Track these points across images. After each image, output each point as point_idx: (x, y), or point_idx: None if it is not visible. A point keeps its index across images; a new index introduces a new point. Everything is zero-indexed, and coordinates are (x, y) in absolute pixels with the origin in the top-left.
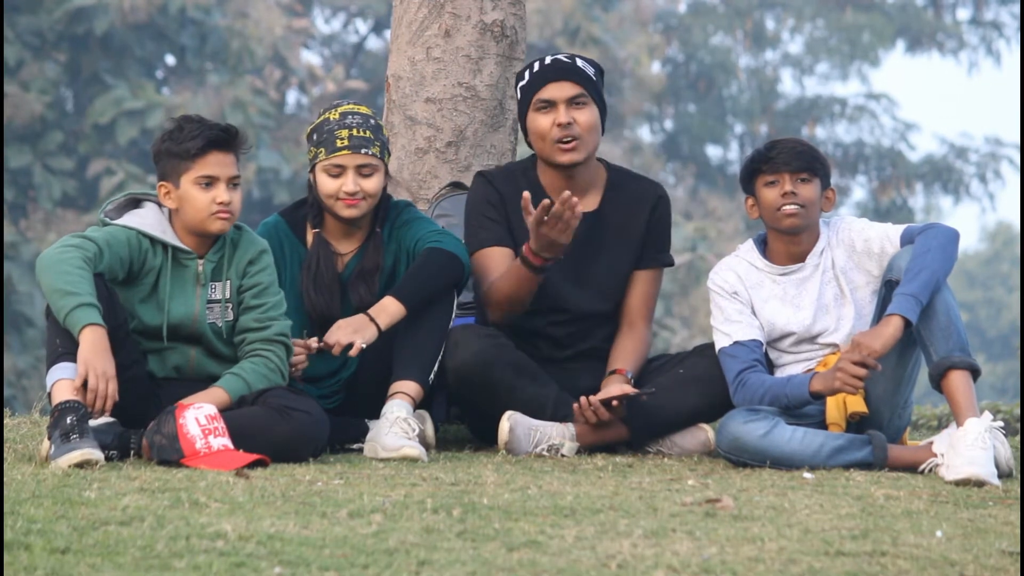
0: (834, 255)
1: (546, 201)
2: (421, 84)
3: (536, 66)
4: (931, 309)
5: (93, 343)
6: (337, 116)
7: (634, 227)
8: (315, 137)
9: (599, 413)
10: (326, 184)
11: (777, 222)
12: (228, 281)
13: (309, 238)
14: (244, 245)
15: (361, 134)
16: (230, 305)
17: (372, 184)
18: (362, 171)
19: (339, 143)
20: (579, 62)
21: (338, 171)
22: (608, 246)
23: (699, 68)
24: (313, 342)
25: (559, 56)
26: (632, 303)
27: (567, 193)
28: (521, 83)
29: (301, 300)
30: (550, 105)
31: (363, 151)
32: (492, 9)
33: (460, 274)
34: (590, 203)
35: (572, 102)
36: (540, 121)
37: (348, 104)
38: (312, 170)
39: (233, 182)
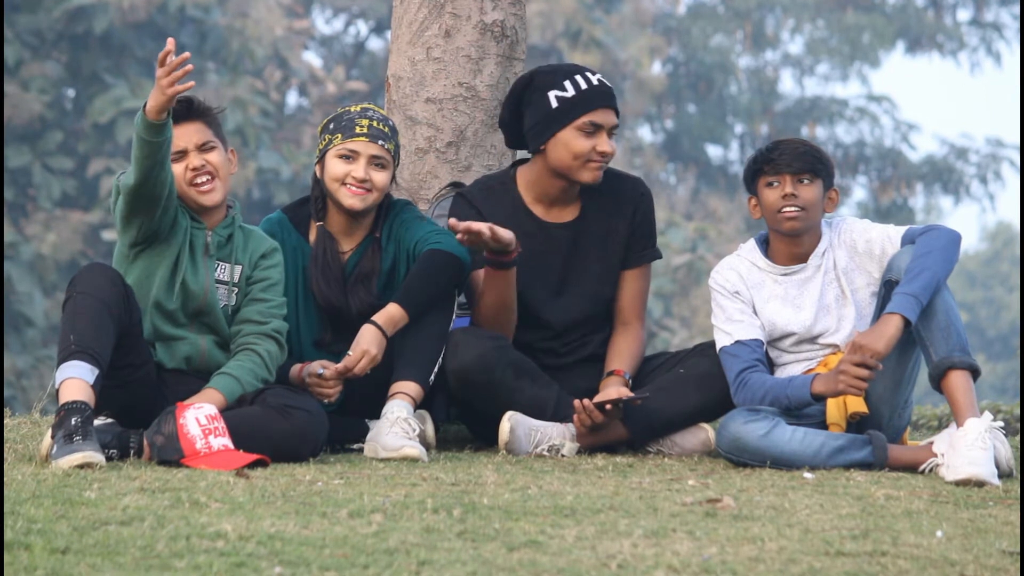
0: (836, 256)
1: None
2: (421, 84)
3: (583, 83)
4: (931, 309)
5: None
6: (358, 109)
7: (617, 231)
8: (331, 126)
9: (593, 416)
10: (336, 168)
11: (778, 224)
12: (240, 267)
13: (311, 236)
14: (257, 238)
15: (380, 127)
16: (235, 290)
17: (382, 177)
18: (374, 162)
19: (358, 129)
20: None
21: (351, 155)
22: (593, 253)
23: (699, 68)
24: (320, 371)
25: (602, 79)
26: (624, 303)
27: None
28: (561, 93)
29: (305, 294)
30: (597, 129)
31: (379, 142)
32: (492, 9)
33: (461, 273)
34: (571, 212)
35: (611, 131)
36: (582, 143)
37: (368, 103)
38: (320, 161)
39: (206, 147)
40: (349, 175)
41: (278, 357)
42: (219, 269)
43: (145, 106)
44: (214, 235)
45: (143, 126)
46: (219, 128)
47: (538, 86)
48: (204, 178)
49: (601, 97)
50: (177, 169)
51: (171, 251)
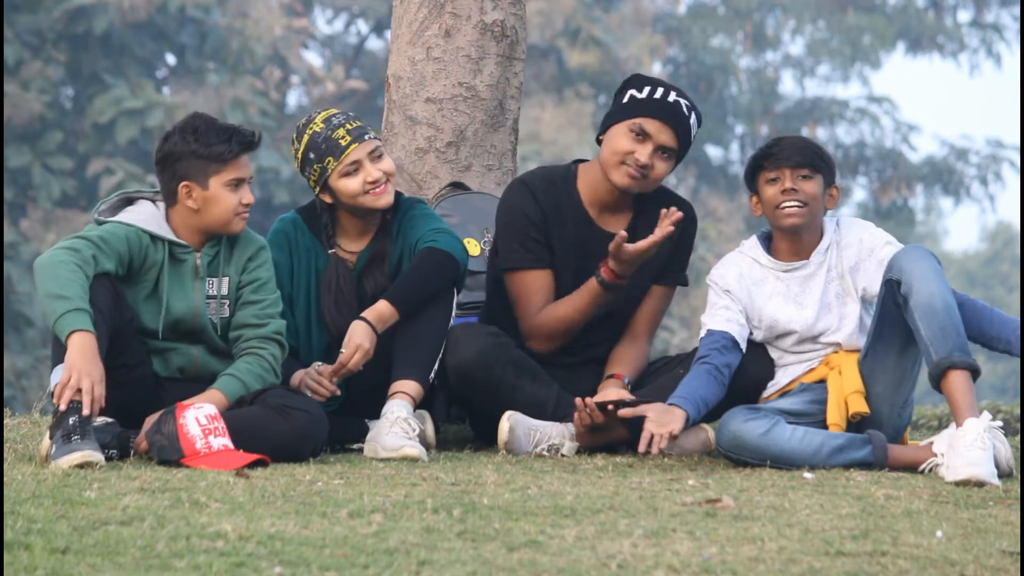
0: (842, 254)
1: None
2: (421, 84)
3: (657, 93)
4: (931, 309)
5: (81, 349)
6: (322, 125)
7: (661, 248)
8: (312, 156)
9: (594, 415)
10: (349, 186)
11: (777, 220)
12: (227, 278)
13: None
14: (243, 242)
15: (355, 125)
16: (227, 302)
17: (388, 164)
18: (374, 156)
19: (343, 142)
20: (692, 118)
21: (355, 167)
22: None
23: (700, 69)
24: (326, 371)
25: (680, 100)
26: (640, 316)
27: (674, 216)
28: (633, 92)
29: (318, 300)
30: (644, 137)
31: (367, 137)
32: (492, 9)
33: (456, 273)
34: (621, 222)
35: (662, 150)
36: (624, 142)
37: (320, 112)
38: (322, 190)
39: (249, 183)
40: (365, 182)
41: (281, 359)
42: (209, 285)
43: (69, 337)
44: (203, 256)
45: (54, 328)
46: None
47: (627, 85)
48: (247, 214)
49: (663, 110)
50: (232, 198)
51: (145, 286)
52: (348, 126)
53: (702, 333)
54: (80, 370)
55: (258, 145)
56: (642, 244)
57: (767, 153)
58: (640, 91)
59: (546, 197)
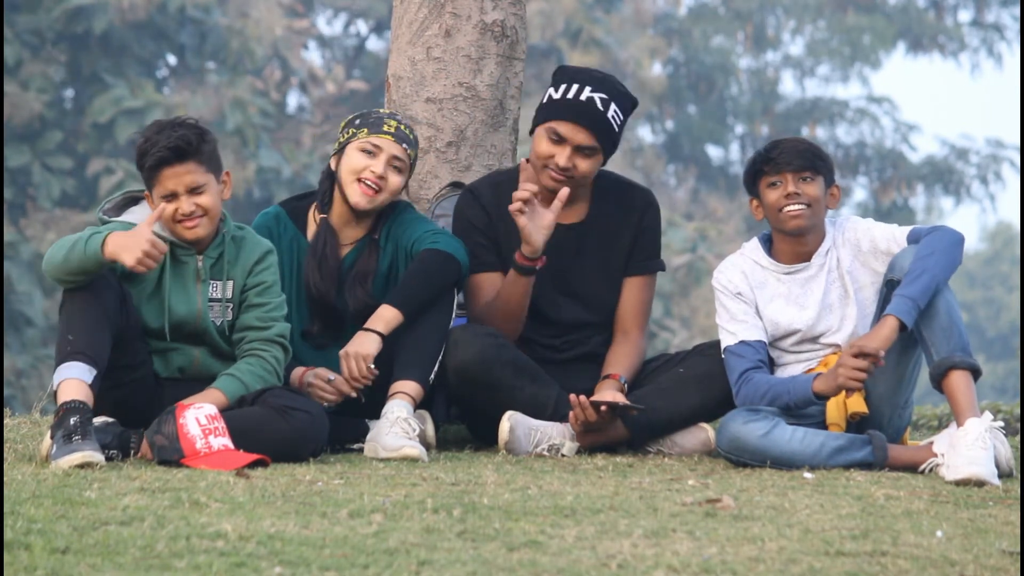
0: (839, 254)
1: (522, 195)
2: (421, 84)
3: (570, 92)
4: (932, 309)
5: (122, 233)
6: (387, 111)
7: (622, 237)
8: (357, 121)
9: (587, 413)
10: (356, 160)
11: (782, 223)
12: (231, 281)
13: (310, 231)
14: (249, 246)
15: (406, 132)
16: (230, 305)
17: (397, 180)
18: (394, 162)
19: (385, 128)
20: (611, 111)
21: (374, 150)
22: (596, 257)
23: (700, 69)
24: (331, 377)
25: (595, 96)
26: (624, 311)
27: (525, 190)
28: (552, 93)
29: (300, 288)
30: (560, 140)
31: (403, 145)
32: (492, 9)
33: (458, 273)
34: (578, 213)
35: (580, 149)
36: (544, 146)
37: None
38: (338, 153)
39: (197, 190)
40: (368, 169)
41: (284, 361)
42: (212, 288)
43: (105, 241)
44: (205, 259)
45: (90, 255)
46: (211, 157)
47: (553, 79)
48: (192, 223)
49: (573, 111)
50: (168, 210)
51: (147, 287)
52: (401, 127)
53: (731, 341)
54: (139, 234)
55: (191, 154)
56: (522, 220)
57: (767, 158)
58: (556, 90)
59: (492, 200)
